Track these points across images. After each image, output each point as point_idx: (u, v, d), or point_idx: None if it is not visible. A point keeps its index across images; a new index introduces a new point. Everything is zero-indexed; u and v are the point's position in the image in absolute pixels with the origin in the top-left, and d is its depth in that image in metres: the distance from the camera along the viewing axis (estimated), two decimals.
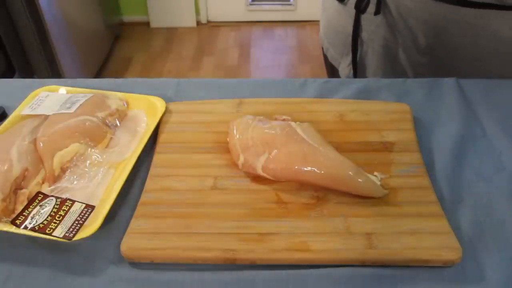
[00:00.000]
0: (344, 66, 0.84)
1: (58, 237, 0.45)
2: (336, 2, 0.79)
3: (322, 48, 0.91)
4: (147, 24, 2.76)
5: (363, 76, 0.82)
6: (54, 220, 0.47)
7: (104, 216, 0.47)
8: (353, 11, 0.75)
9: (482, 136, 0.58)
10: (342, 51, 0.83)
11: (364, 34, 0.76)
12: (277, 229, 0.47)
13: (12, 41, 1.77)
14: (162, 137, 0.59)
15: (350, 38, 0.78)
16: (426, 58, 0.73)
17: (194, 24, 2.77)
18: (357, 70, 0.82)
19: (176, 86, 0.69)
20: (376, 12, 0.71)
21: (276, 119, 0.58)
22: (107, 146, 0.57)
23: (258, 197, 0.50)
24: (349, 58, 0.81)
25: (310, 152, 0.51)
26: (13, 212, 0.49)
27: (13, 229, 0.46)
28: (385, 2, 0.71)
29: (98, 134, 0.57)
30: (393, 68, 0.77)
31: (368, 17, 0.74)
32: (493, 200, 0.51)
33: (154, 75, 2.37)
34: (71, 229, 0.46)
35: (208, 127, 0.60)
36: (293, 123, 0.55)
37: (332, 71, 0.90)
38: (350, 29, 0.77)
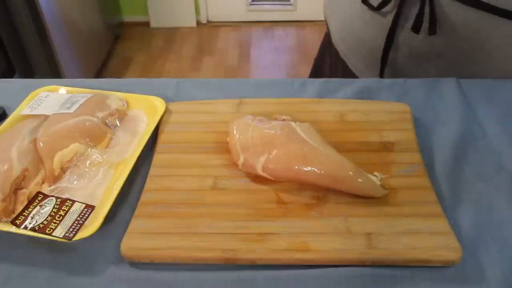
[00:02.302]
0: (368, 76, 0.78)
1: (58, 237, 0.45)
2: (361, 8, 0.71)
3: (338, 52, 0.84)
4: (147, 24, 2.76)
5: None
6: (54, 220, 0.47)
7: (104, 216, 0.47)
8: (388, 23, 0.68)
9: (482, 136, 0.58)
10: (367, 62, 0.77)
11: (402, 48, 0.71)
12: (277, 229, 0.47)
13: (12, 41, 1.77)
14: (162, 137, 0.59)
15: (380, 51, 0.72)
16: (472, 72, 0.69)
17: (194, 24, 2.77)
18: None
19: (176, 86, 0.69)
20: (431, 33, 0.65)
21: (276, 119, 0.58)
22: (107, 146, 0.57)
23: (258, 197, 0.50)
24: (376, 70, 0.76)
25: (310, 152, 0.51)
26: (13, 212, 0.49)
27: (13, 229, 0.46)
28: (440, 18, 0.64)
29: (98, 134, 0.57)
30: None
31: (408, 33, 0.68)
32: (493, 200, 0.51)
33: (154, 75, 2.37)
34: (71, 229, 0.46)
35: (208, 127, 0.60)
36: (293, 123, 0.55)
37: (346, 77, 0.83)
38: (381, 41, 0.71)
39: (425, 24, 0.65)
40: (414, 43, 0.69)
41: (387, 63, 0.74)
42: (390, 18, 0.68)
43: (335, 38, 0.84)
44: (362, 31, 0.74)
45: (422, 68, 0.72)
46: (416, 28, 0.66)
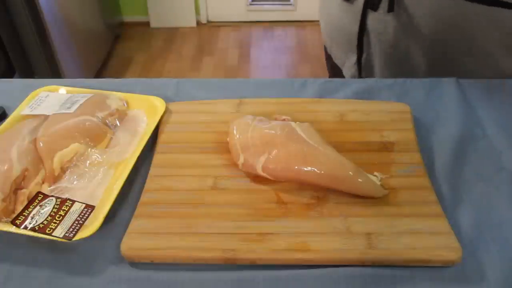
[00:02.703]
0: (349, 66, 0.82)
1: (58, 237, 0.45)
2: (340, 1, 0.76)
3: (325, 49, 0.90)
4: (147, 24, 2.76)
5: (369, 76, 0.80)
6: (54, 220, 0.47)
7: (104, 216, 0.47)
8: (360, 10, 0.73)
9: (482, 136, 0.58)
10: (347, 50, 0.81)
11: (372, 34, 0.75)
12: (277, 229, 0.47)
13: (12, 41, 1.77)
14: (162, 137, 0.59)
15: (356, 37, 0.76)
16: (438, 57, 0.72)
17: (194, 24, 2.77)
18: (363, 70, 0.80)
19: (176, 86, 0.69)
20: (390, 9, 0.69)
21: (276, 119, 0.58)
22: (107, 146, 0.57)
23: (258, 197, 0.50)
24: (354, 57, 0.80)
25: (310, 152, 0.51)
26: (13, 212, 0.49)
27: (13, 229, 0.46)
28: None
29: (98, 134, 0.57)
30: (401, 68, 0.75)
31: (376, 17, 0.72)
32: (493, 200, 0.51)
33: (154, 75, 2.37)
34: (71, 229, 0.46)
35: (208, 127, 0.60)
36: (293, 123, 0.55)
37: (334, 73, 0.88)
38: (355, 28, 0.75)
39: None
40: (380, 28, 0.72)
41: (363, 50, 0.77)
42: (361, 4, 0.72)
43: (324, 35, 0.88)
44: (341, 21, 0.79)
45: (393, 52, 0.75)
46: (370, 3, 0.70)
